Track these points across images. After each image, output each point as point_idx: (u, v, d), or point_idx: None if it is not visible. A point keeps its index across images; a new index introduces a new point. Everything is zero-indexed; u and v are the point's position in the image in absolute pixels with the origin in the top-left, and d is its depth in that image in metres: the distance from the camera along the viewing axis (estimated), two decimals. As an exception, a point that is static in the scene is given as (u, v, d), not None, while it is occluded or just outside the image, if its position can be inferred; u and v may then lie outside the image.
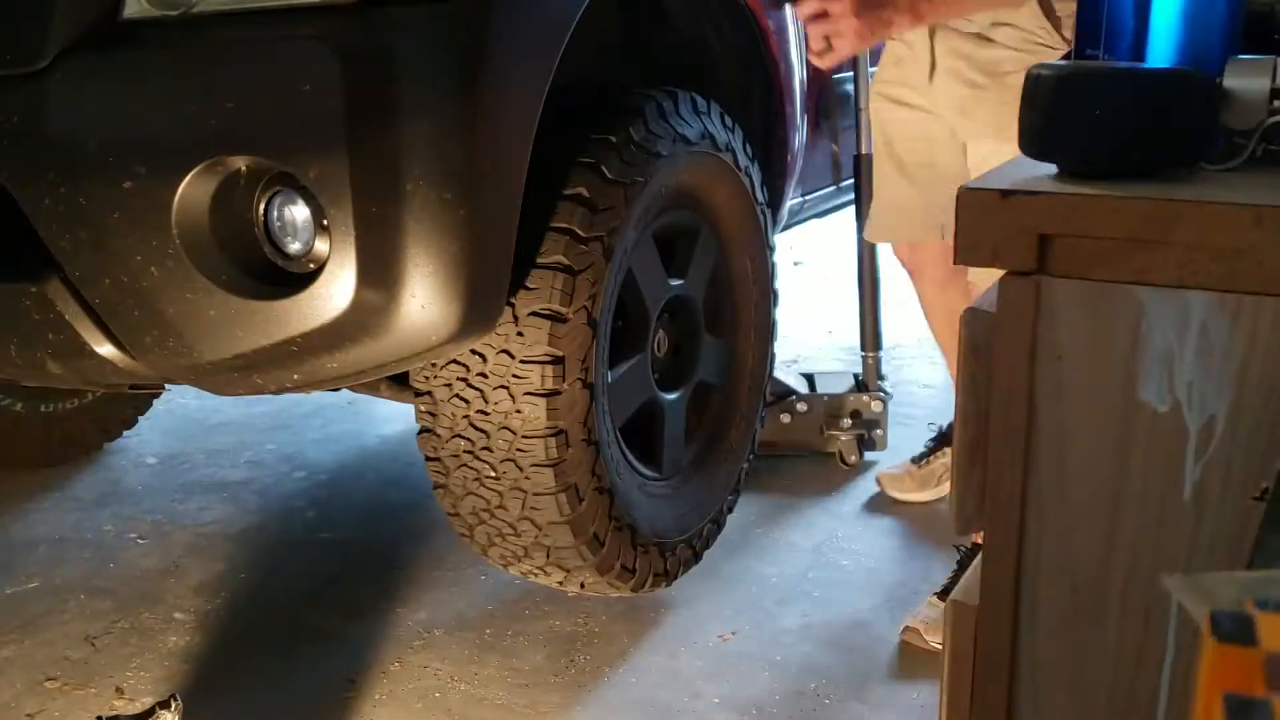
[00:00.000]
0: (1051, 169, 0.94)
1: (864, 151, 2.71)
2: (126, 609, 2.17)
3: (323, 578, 2.30)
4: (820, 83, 2.67)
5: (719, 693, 1.91)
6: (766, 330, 2.43)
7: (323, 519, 2.58)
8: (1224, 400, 0.85)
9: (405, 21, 1.51)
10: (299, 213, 1.55)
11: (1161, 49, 1.01)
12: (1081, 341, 0.88)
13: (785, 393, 2.83)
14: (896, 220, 2.31)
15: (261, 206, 1.55)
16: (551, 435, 1.78)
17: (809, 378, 2.95)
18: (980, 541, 0.97)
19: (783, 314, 2.58)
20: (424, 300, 1.52)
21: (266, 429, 3.08)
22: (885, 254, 2.83)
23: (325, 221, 1.50)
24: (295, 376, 1.61)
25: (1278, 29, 1.03)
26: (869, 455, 2.83)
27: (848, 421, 2.80)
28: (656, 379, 2.13)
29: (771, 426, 2.75)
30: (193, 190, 1.49)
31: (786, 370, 2.96)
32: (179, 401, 3.23)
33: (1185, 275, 0.84)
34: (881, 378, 2.88)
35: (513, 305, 1.74)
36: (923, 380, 3.41)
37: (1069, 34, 1.89)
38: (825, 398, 2.82)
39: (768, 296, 2.42)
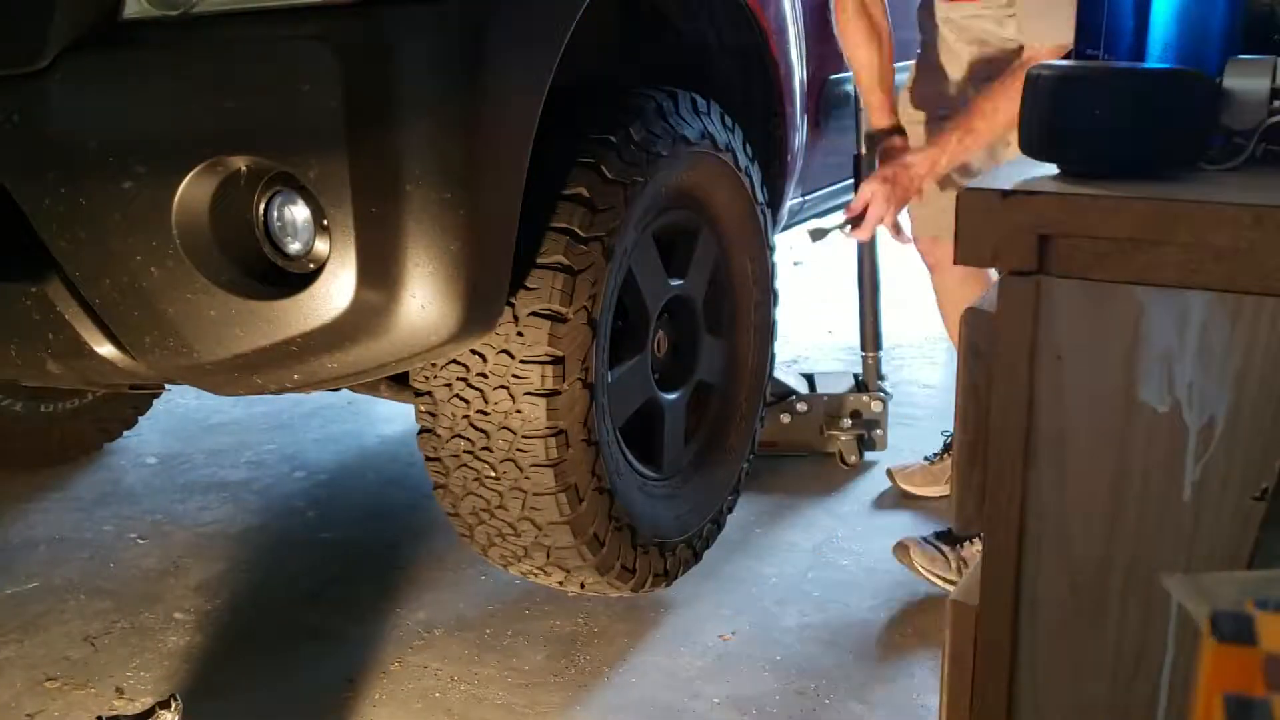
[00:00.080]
0: (1051, 169, 0.94)
1: (863, 152, 2.71)
2: (126, 609, 2.17)
3: (323, 578, 2.30)
4: (820, 83, 2.67)
5: (719, 693, 1.91)
6: (766, 330, 2.43)
7: (323, 519, 2.58)
8: (1224, 400, 0.85)
9: (405, 21, 1.51)
10: (299, 213, 1.55)
11: (1161, 49, 1.01)
12: (1081, 341, 0.88)
13: (785, 393, 2.83)
14: (937, 215, 2.37)
15: (261, 206, 1.55)
16: (551, 435, 1.78)
17: (809, 378, 2.95)
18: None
19: (783, 314, 2.58)
20: (424, 300, 1.52)
21: (266, 429, 3.08)
22: (885, 254, 2.84)
23: (325, 221, 1.50)
24: (295, 376, 1.61)
25: (1278, 29, 1.03)
26: (869, 455, 2.83)
27: (848, 421, 2.80)
28: (656, 379, 2.13)
29: (771, 426, 2.75)
30: (193, 190, 1.49)
31: (786, 370, 2.96)
32: (179, 401, 3.23)
33: (1185, 275, 0.84)
34: (881, 378, 2.88)
35: (513, 305, 1.74)
36: (923, 380, 3.41)
37: None
38: (825, 398, 2.82)
39: (768, 296, 2.42)
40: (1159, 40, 1.01)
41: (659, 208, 1.99)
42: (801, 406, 2.81)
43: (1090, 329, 0.88)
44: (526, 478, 1.81)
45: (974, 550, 2.14)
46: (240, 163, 1.51)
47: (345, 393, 2.38)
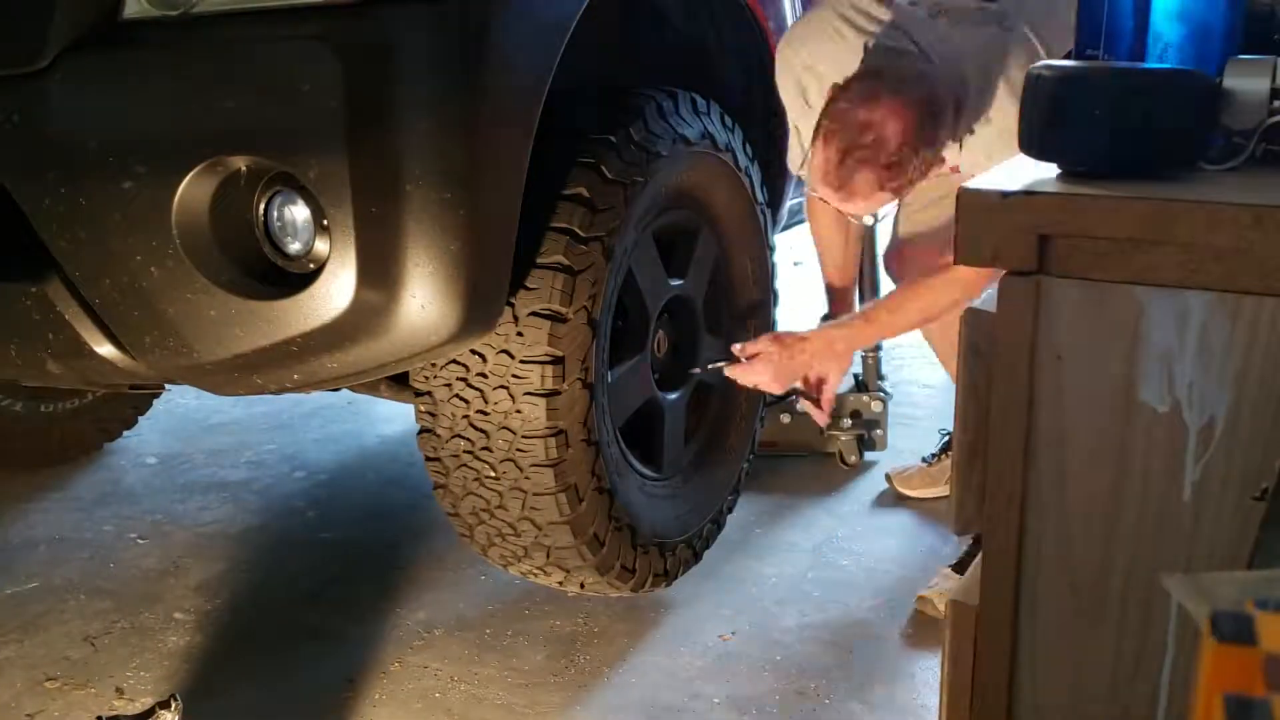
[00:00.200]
0: (1052, 169, 0.94)
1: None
2: (126, 609, 2.17)
3: (323, 578, 2.30)
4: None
5: (719, 693, 1.91)
6: (766, 330, 2.43)
7: (323, 519, 2.58)
8: (1224, 400, 0.85)
9: (405, 21, 1.51)
10: (299, 213, 1.55)
11: (1161, 49, 1.01)
12: (1081, 341, 0.88)
13: (785, 393, 2.82)
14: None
15: (261, 206, 1.55)
16: (551, 435, 1.78)
17: (809, 378, 2.94)
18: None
19: (783, 314, 2.58)
20: (424, 300, 1.52)
21: (266, 429, 3.08)
22: (884, 250, 2.83)
23: (325, 221, 1.50)
24: (295, 376, 1.61)
25: (1278, 29, 1.03)
26: (869, 455, 2.83)
27: (848, 421, 2.79)
28: (656, 379, 2.13)
29: (771, 426, 2.75)
30: (193, 190, 1.49)
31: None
32: (179, 401, 3.23)
33: (1185, 275, 0.84)
34: (881, 378, 2.87)
35: (513, 305, 1.74)
36: (923, 380, 3.41)
37: None
38: (825, 398, 2.82)
39: (768, 296, 2.42)
40: (1159, 40, 1.01)
41: (659, 208, 1.99)
42: (801, 406, 2.81)
43: (1090, 329, 0.88)
44: (526, 478, 1.81)
45: None
46: (240, 163, 1.51)
47: (345, 393, 2.38)
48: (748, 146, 2.22)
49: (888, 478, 2.67)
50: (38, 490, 2.70)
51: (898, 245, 2.52)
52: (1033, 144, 0.95)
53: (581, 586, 2.03)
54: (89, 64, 1.52)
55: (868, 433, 2.82)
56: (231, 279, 1.53)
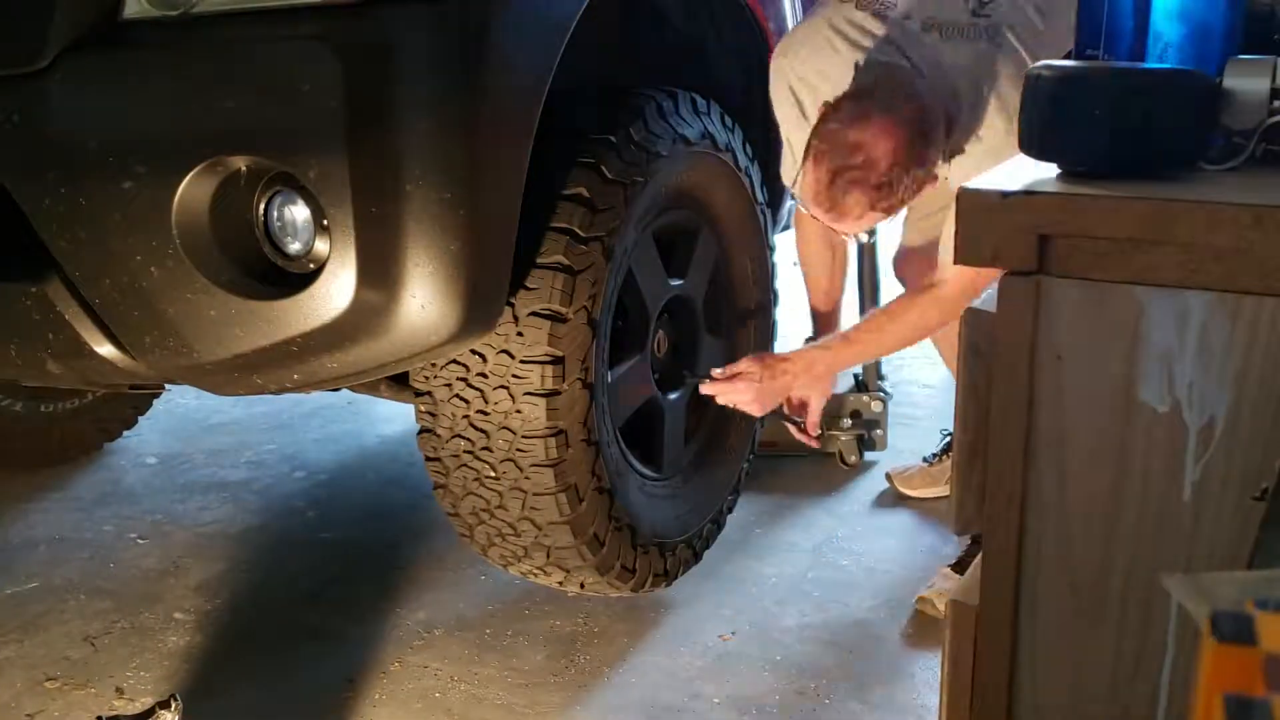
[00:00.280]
0: (1052, 169, 0.94)
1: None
2: (126, 609, 2.17)
3: (323, 578, 2.30)
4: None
5: (719, 693, 1.91)
6: (766, 330, 2.43)
7: (323, 519, 2.58)
8: (1224, 400, 0.85)
9: (405, 21, 1.51)
10: (299, 213, 1.55)
11: (1161, 49, 1.01)
12: (1081, 341, 0.88)
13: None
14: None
15: (261, 206, 1.55)
16: (551, 435, 1.78)
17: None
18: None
19: (783, 314, 2.58)
20: (424, 300, 1.52)
21: (266, 429, 3.08)
22: (885, 255, 2.83)
23: (325, 221, 1.50)
24: (295, 376, 1.61)
25: (1278, 29, 1.03)
26: (869, 455, 2.83)
27: (848, 421, 2.79)
28: (656, 379, 2.13)
29: (771, 426, 2.75)
30: (193, 190, 1.49)
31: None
32: (179, 401, 3.23)
33: (1185, 275, 0.84)
34: (881, 378, 2.87)
35: (513, 305, 1.74)
36: (923, 380, 3.41)
37: None
38: (825, 397, 2.82)
39: (768, 296, 2.42)
40: (1159, 40, 1.01)
41: (659, 208, 1.99)
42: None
43: (1090, 329, 0.88)
44: (526, 478, 1.81)
45: None
46: (240, 163, 1.51)
47: (345, 393, 2.39)
48: (748, 146, 2.22)
49: (888, 477, 2.67)
50: (38, 490, 2.70)
51: (904, 251, 2.53)
52: (1033, 144, 0.95)
53: (581, 586, 2.03)
54: (89, 64, 1.52)
55: (868, 433, 2.81)
56: (231, 279, 1.53)
